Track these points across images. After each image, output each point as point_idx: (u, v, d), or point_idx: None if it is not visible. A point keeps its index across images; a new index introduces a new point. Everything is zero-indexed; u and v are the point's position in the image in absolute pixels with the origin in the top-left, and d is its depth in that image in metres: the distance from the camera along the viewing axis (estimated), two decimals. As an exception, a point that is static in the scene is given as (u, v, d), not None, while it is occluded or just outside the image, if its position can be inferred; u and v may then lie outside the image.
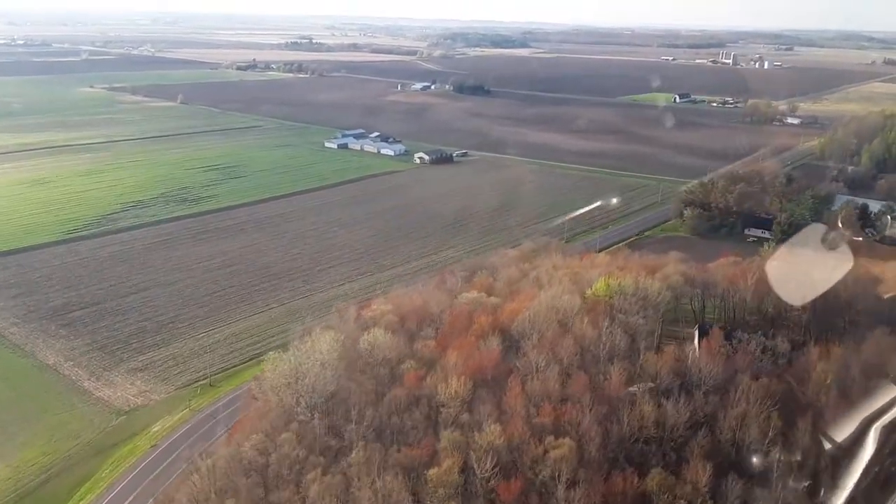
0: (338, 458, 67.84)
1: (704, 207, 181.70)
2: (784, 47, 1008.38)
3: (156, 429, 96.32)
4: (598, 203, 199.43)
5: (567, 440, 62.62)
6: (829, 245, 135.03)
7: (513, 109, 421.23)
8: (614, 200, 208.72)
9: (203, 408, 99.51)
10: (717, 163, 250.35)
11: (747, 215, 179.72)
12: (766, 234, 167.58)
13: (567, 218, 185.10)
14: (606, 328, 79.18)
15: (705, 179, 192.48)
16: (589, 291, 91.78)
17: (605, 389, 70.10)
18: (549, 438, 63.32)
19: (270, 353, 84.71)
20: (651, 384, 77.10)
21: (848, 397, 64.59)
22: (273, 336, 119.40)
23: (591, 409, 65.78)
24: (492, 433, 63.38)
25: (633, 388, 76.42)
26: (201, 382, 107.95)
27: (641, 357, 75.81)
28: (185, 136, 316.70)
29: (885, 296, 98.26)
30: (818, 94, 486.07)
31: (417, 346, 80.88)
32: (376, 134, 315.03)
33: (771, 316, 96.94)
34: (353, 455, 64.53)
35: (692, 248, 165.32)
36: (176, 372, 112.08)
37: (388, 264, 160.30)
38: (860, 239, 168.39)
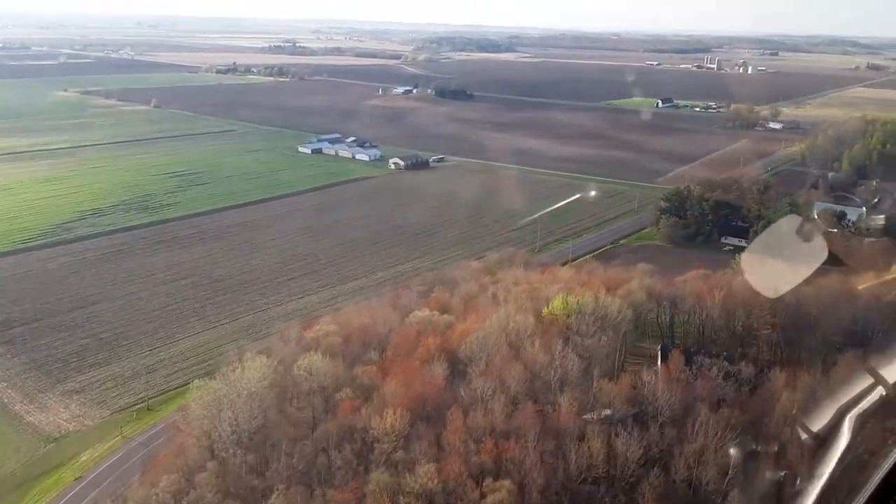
0: (264, 501, 61.70)
1: (680, 215, 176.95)
2: (769, 52, 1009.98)
3: (84, 458, 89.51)
4: (557, 205, 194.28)
5: (507, 482, 56.79)
6: (805, 236, 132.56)
7: (494, 114, 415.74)
8: (581, 198, 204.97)
9: (136, 435, 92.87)
10: (696, 169, 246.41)
11: (724, 223, 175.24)
12: (743, 243, 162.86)
13: (531, 218, 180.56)
14: (560, 352, 73.39)
15: (681, 186, 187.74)
16: (546, 310, 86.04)
17: (554, 421, 64.26)
18: (489, 480, 57.46)
19: (196, 380, 78.29)
20: (607, 411, 71.71)
21: (813, 430, 58.86)
22: (221, 355, 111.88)
23: (535, 445, 59.95)
24: (425, 474, 57.38)
25: (587, 416, 71.00)
26: (139, 406, 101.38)
27: (595, 384, 70.05)
28: (154, 141, 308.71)
29: (860, 310, 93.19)
30: (801, 98, 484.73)
31: (357, 371, 74.67)
32: (352, 139, 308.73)
33: (740, 334, 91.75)
34: (273, 499, 58.31)
35: (666, 257, 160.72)
36: (114, 394, 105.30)
37: (351, 276, 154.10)
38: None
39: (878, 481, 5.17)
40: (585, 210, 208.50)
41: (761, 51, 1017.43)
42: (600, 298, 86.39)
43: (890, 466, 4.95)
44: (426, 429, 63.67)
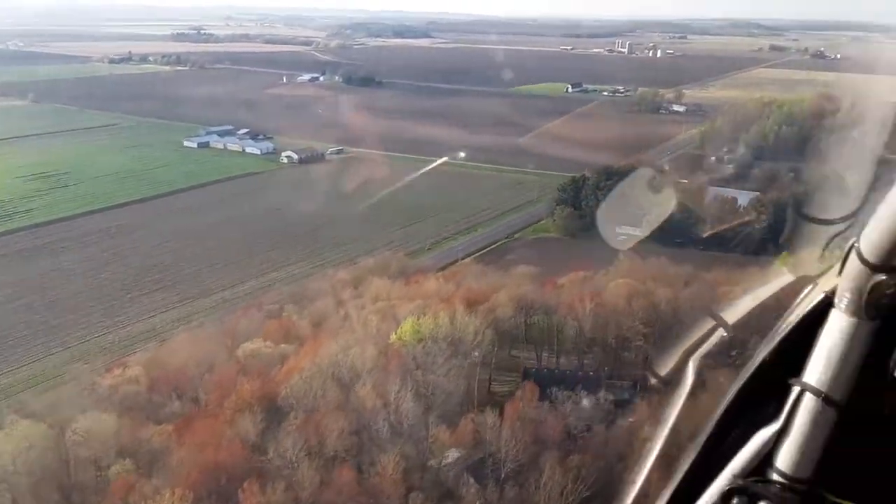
0: None
1: (576, 206, 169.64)
2: (677, 36, 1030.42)
3: None
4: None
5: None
6: (655, 188, 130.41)
7: (402, 102, 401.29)
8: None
9: None
10: (599, 155, 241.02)
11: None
12: (638, 232, 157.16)
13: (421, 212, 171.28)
14: (396, 393, 62.15)
15: (577, 175, 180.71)
16: (394, 336, 74.66)
17: (374, 487, 52.98)
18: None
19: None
20: (453, 454, 61.46)
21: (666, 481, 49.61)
22: (35, 397, 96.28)
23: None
24: (194, 578, 45.01)
25: (433, 462, 60.43)
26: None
27: (430, 433, 59.19)
28: (24, 140, 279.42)
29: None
30: (706, 81, 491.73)
31: (148, 433, 61.07)
32: (245, 130, 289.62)
33: (613, 347, 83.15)
34: None
35: (560, 251, 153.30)
36: None
37: (216, 287, 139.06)
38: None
39: (715, 422, 4.88)
40: (483, 202, 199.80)
41: (671, 34, 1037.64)
42: (457, 318, 75.58)
43: (725, 406, 4.81)
44: (213, 509, 51.24)
